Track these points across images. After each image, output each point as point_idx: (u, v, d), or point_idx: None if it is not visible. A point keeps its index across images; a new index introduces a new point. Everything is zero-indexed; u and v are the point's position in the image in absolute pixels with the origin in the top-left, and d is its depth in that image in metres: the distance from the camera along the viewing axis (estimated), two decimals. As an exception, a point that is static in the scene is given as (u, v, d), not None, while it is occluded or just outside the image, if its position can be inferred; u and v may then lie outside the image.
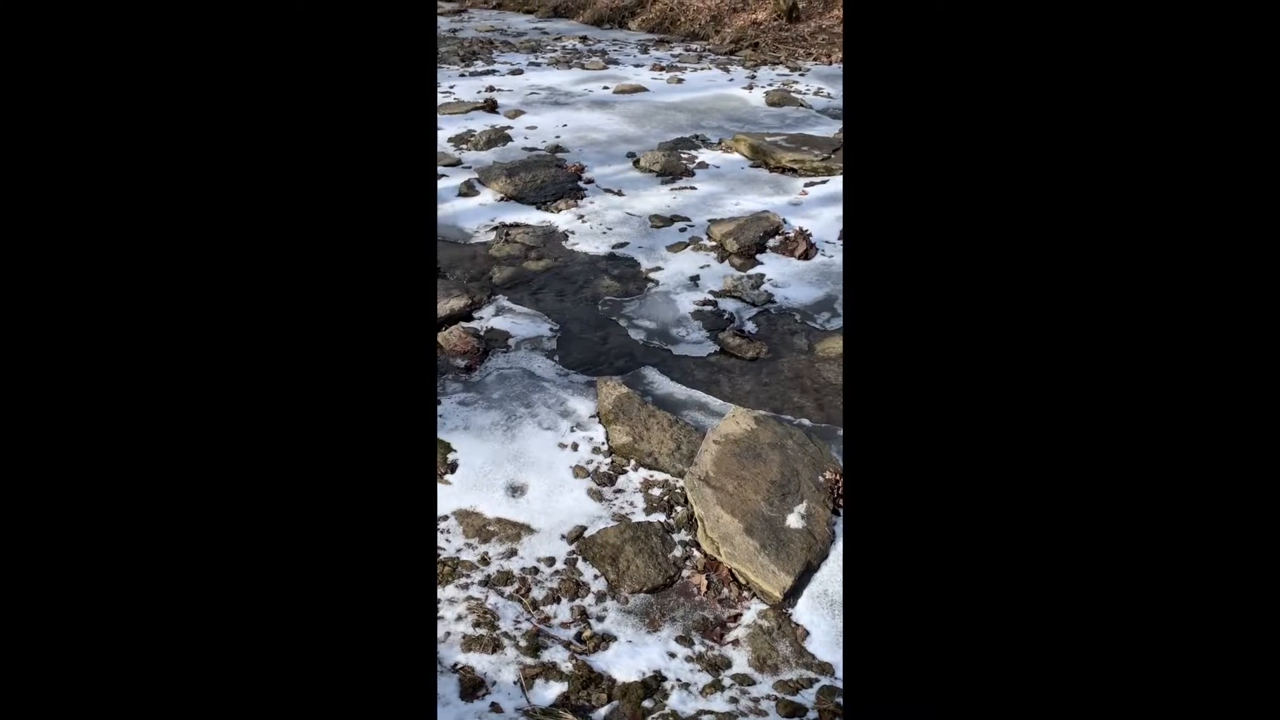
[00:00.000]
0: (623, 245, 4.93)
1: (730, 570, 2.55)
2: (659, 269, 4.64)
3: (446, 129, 6.99)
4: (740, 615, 2.42)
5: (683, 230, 5.13)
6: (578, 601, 2.44)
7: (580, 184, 5.89)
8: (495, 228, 5.16)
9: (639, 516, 2.79)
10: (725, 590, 2.50)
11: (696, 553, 2.64)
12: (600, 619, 2.40)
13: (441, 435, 3.21)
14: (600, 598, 2.46)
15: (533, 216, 5.33)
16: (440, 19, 12.54)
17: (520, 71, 9.14)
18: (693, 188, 5.79)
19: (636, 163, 6.28)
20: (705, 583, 2.52)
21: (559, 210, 5.44)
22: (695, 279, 4.53)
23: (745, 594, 2.49)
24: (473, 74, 9.01)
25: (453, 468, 3.02)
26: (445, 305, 4.13)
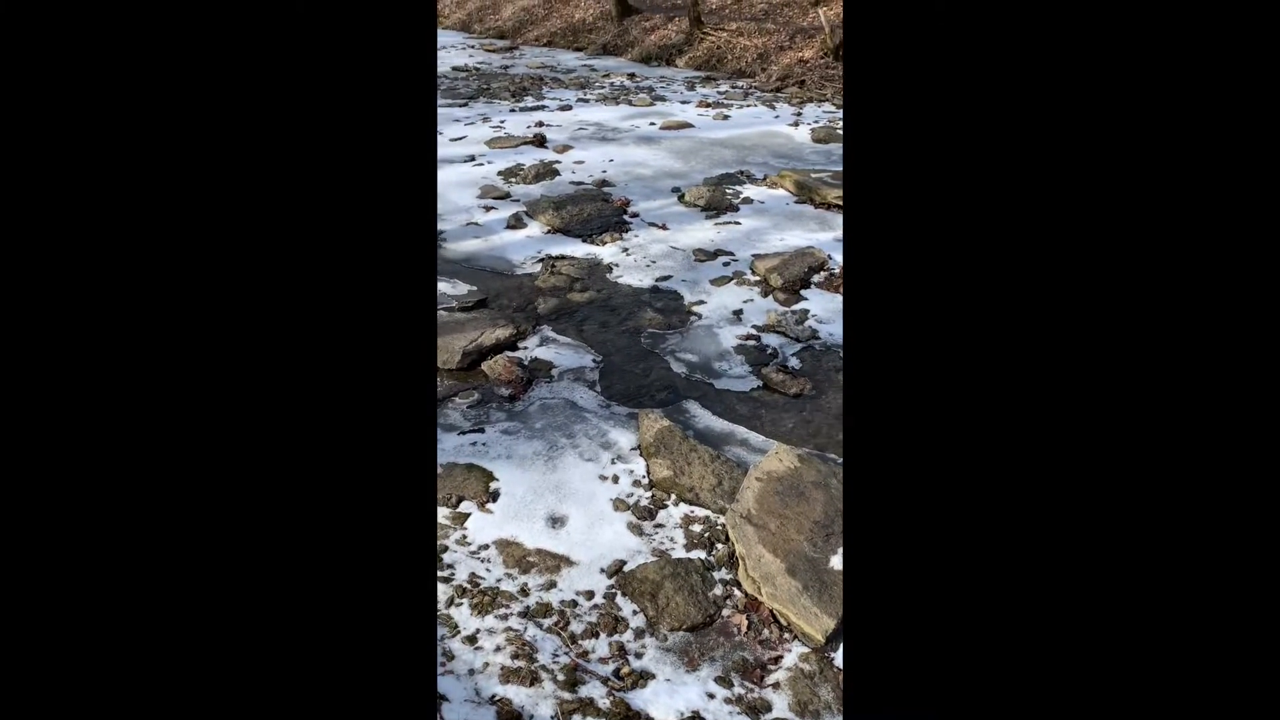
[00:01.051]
0: (666, 278, 4.97)
1: (771, 611, 2.50)
2: (702, 302, 4.65)
3: (496, 163, 7.16)
4: (781, 658, 2.37)
5: (726, 265, 5.14)
6: (616, 637, 2.42)
7: (625, 218, 5.97)
8: (541, 259, 5.24)
9: (679, 553, 2.76)
10: (766, 631, 2.46)
11: (737, 592, 2.60)
12: (639, 656, 2.37)
13: (484, 464, 3.24)
14: (639, 634, 2.44)
15: (578, 249, 5.41)
16: (492, 55, 12.91)
17: (569, 107, 9.34)
18: (737, 223, 5.81)
19: (681, 197, 6.34)
20: (746, 623, 2.48)
21: (604, 243, 5.51)
22: (738, 313, 4.53)
23: (786, 636, 2.44)
24: (523, 109, 9.24)
25: (494, 496, 3.04)
26: (491, 335, 4.20)
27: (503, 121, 8.63)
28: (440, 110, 9.22)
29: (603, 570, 2.67)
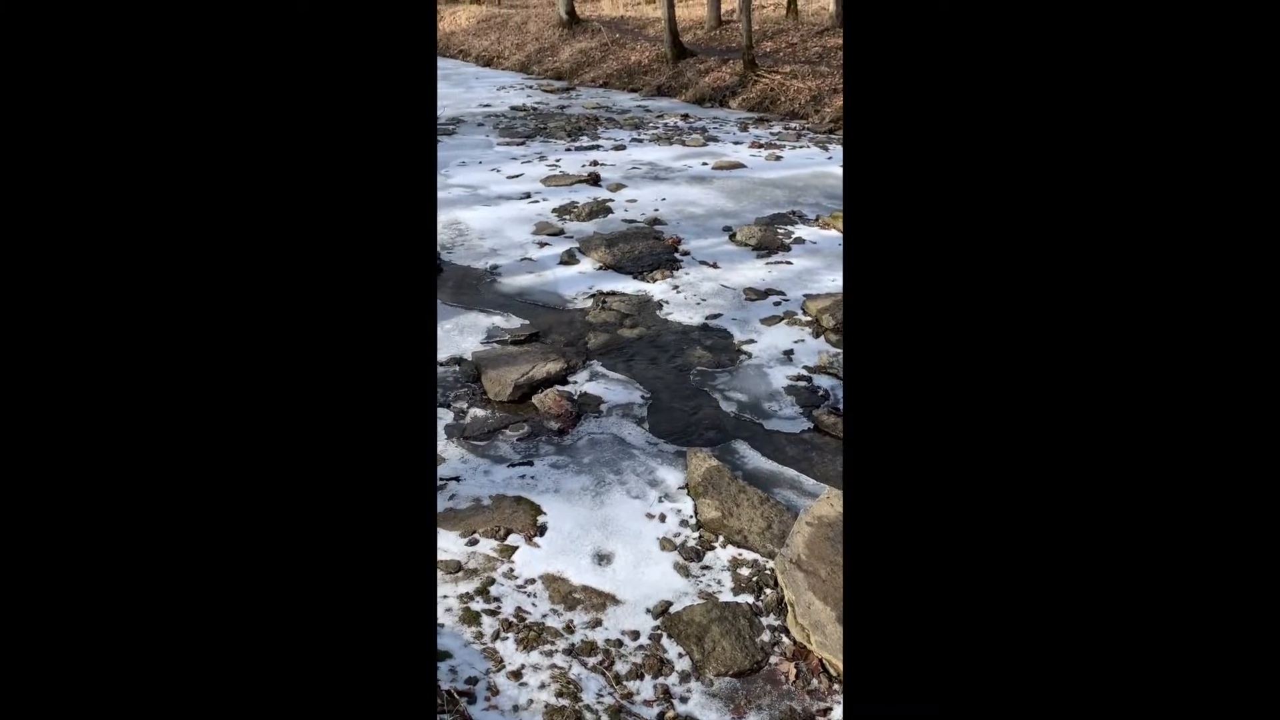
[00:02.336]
0: (716, 316, 4.97)
1: (821, 660, 2.44)
2: (752, 342, 4.64)
3: (551, 200, 7.31)
4: (830, 710, 2.30)
5: (777, 304, 5.13)
6: (661, 679, 2.39)
7: (677, 255, 6.02)
8: (593, 295, 5.31)
9: (726, 596, 2.72)
10: (815, 681, 2.39)
11: (785, 639, 2.54)
12: (684, 700, 2.33)
13: (532, 497, 3.26)
14: (684, 677, 2.40)
15: (629, 285, 5.46)
16: (550, 96, 13.27)
17: (623, 147, 9.52)
18: (788, 262, 5.81)
19: (733, 236, 6.37)
20: (794, 671, 2.42)
21: (655, 280, 5.55)
22: (789, 353, 4.50)
23: (836, 686, 2.37)
24: (578, 148, 9.45)
25: (542, 530, 3.05)
26: (543, 368, 4.25)
27: (558, 160, 8.83)
28: (498, 148, 9.48)
29: (648, 610, 2.64)
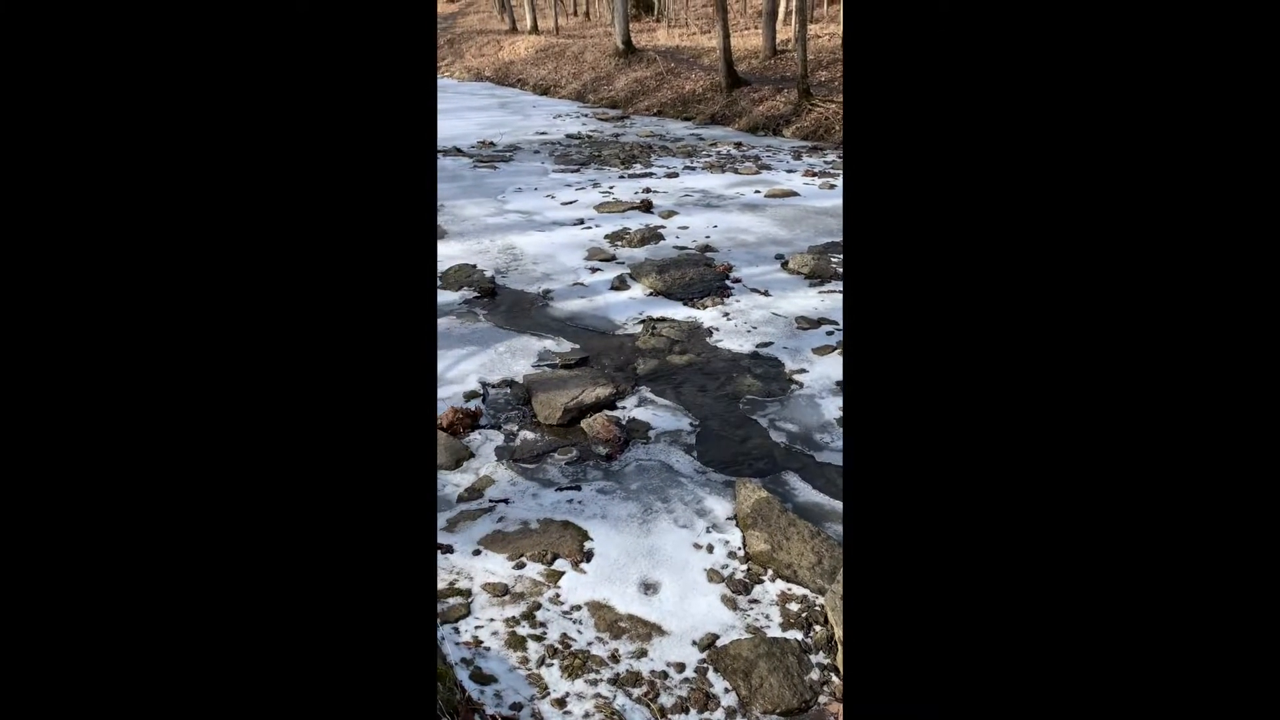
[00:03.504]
0: (767, 345, 4.93)
1: (872, 704, 2.36)
2: (803, 371, 4.58)
3: (604, 226, 7.39)
4: (882, 757, 2.22)
5: (830, 334, 5.07)
6: (707, 715, 2.34)
7: (728, 283, 6.01)
8: (643, 321, 5.33)
9: (774, 631, 2.66)
10: (866, 725, 2.31)
11: (835, 678, 2.47)
12: (729, 738, 2.27)
13: (579, 522, 3.25)
14: (730, 714, 2.35)
15: (679, 312, 5.46)
16: (604, 124, 13.48)
17: (676, 175, 9.59)
18: (841, 291, 5.74)
19: (785, 264, 6.33)
20: (843, 712, 2.35)
21: (705, 307, 5.55)
22: (841, 384, 4.43)
23: (888, 733, 2.29)
24: (631, 176, 9.56)
25: (588, 556, 3.04)
26: (592, 393, 4.26)
27: (612, 187, 8.94)
28: (553, 175, 9.65)
29: (694, 643, 2.60)
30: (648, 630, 2.66)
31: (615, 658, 2.54)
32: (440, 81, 19.89)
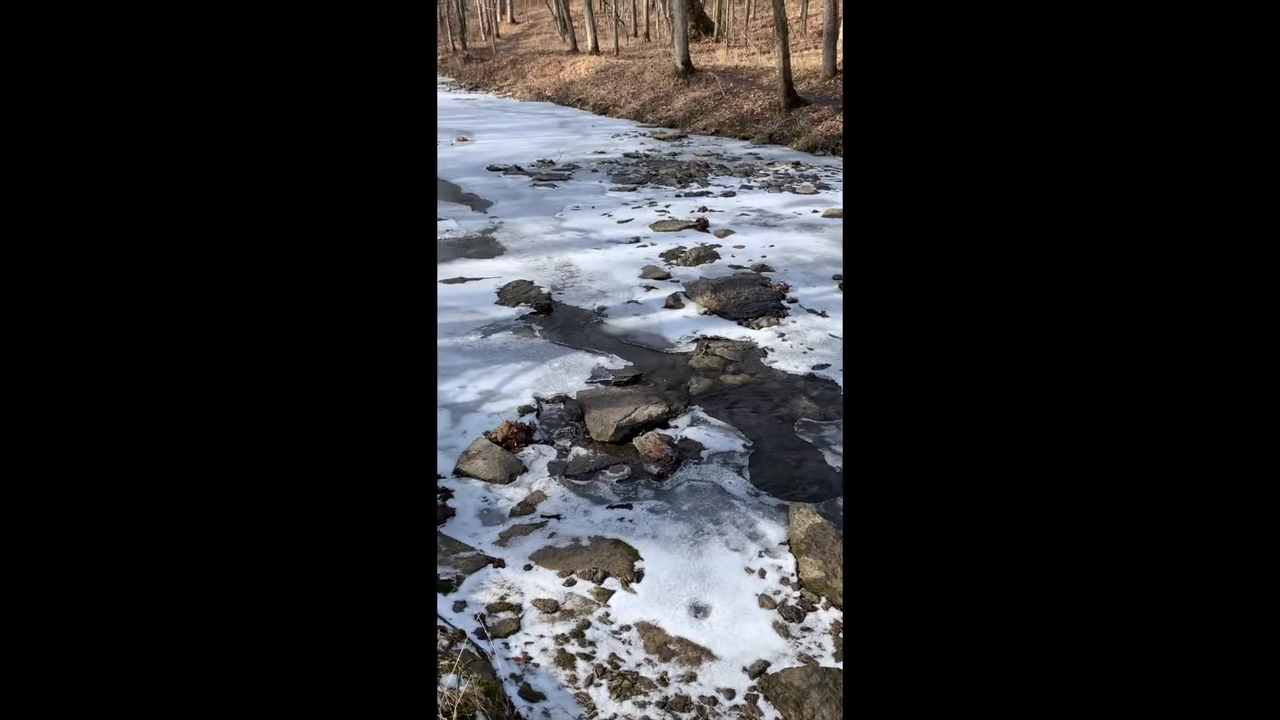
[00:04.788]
0: (823, 366, 4.86)
1: (929, 742, 2.28)
2: (860, 395, 4.50)
3: (660, 244, 7.43)
4: (939, 799, 2.13)
5: (888, 357, 4.97)
6: (756, 745, 2.29)
7: (783, 303, 5.96)
8: (696, 340, 5.31)
9: (828, 661, 2.60)
10: (922, 765, 2.23)
11: (890, 714, 2.39)
12: (779, 770, 2.22)
13: (630, 541, 3.24)
14: (780, 745, 2.29)
15: (734, 331, 5.44)
16: (662, 143, 13.58)
17: (732, 194, 9.59)
18: (900, 314, 5.63)
19: (843, 285, 6.25)
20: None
21: (760, 327, 5.51)
22: (899, 409, 4.33)
23: (946, 774, 2.20)
24: (688, 194, 9.59)
25: (638, 576, 3.02)
26: (644, 411, 4.26)
27: (668, 206, 8.98)
28: (610, 194, 9.75)
29: (745, 669, 2.56)
30: (697, 654, 2.62)
31: (664, 680, 2.51)
32: (501, 101, 20.36)
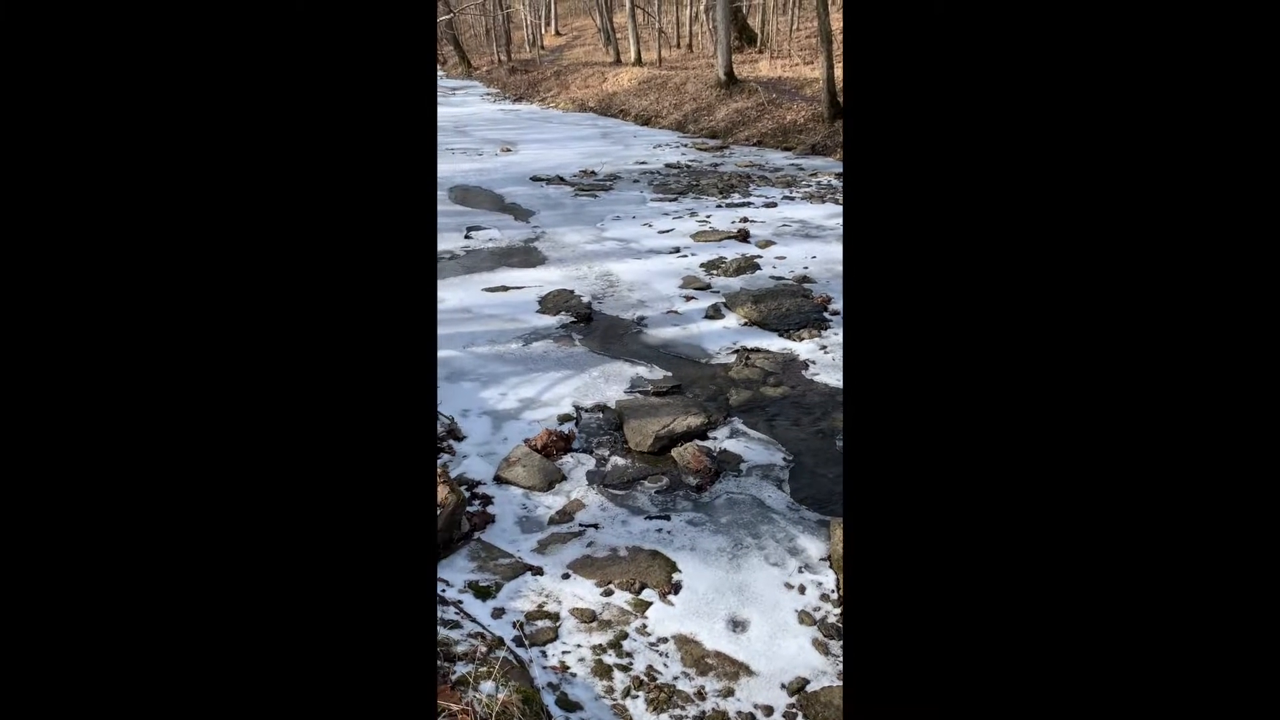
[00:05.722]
0: (866, 381, 4.80)
1: (974, 769, 2.22)
2: (904, 410, 4.43)
3: (700, 255, 7.42)
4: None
5: (932, 371, 4.88)
6: (794, 764, 2.26)
7: (825, 315, 5.89)
8: (736, 351, 5.29)
9: (868, 681, 2.55)
10: (966, 792, 2.17)
11: (933, 738, 2.34)
12: (817, 791, 2.18)
13: (668, 552, 3.23)
14: (819, 766, 2.26)
15: (774, 343, 5.40)
16: (704, 154, 13.59)
17: (774, 204, 9.54)
18: (945, 328, 5.53)
19: (885, 298, 6.17)
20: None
21: (801, 339, 5.46)
22: (944, 425, 4.25)
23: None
24: (729, 205, 9.57)
25: (676, 588, 3.01)
26: (683, 422, 4.25)
27: (709, 216, 8.97)
28: (651, 204, 9.78)
29: (783, 686, 2.53)
30: (735, 669, 2.60)
31: (701, 695, 2.49)
32: (545, 112, 20.60)
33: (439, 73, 28.52)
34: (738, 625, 2.81)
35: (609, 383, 4.85)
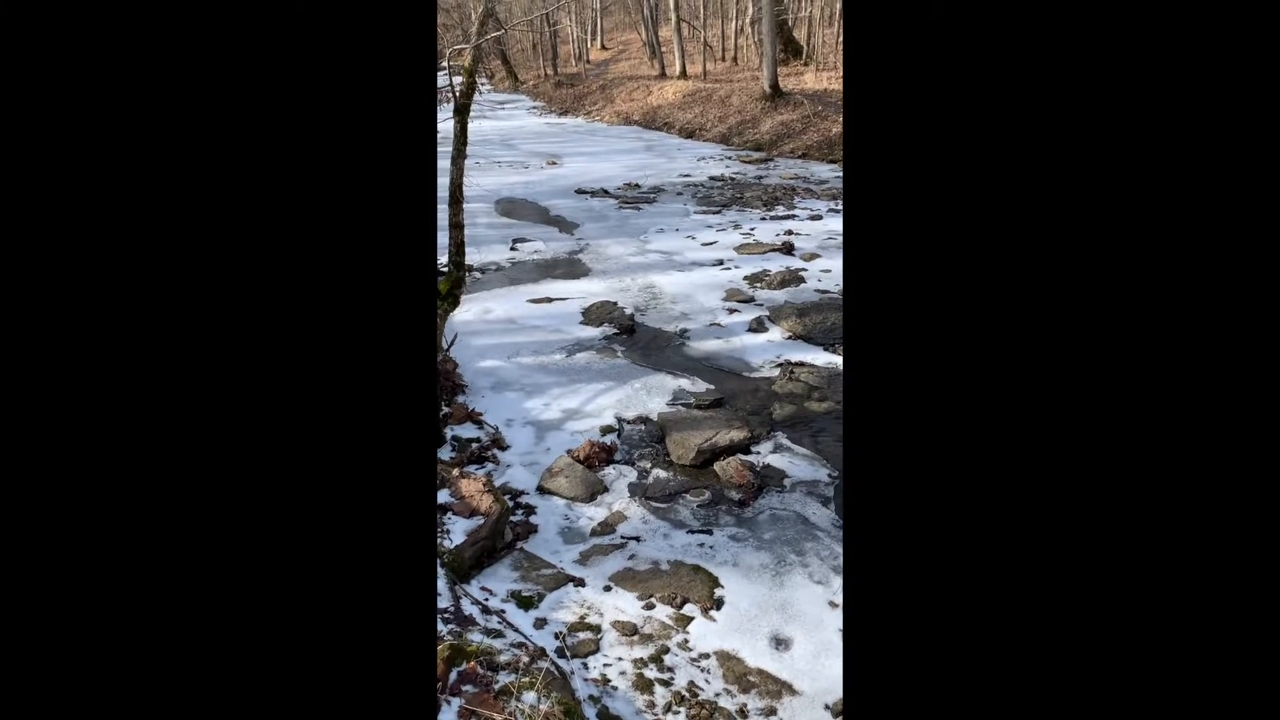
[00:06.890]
0: (913, 397, 4.72)
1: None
2: (952, 427, 4.34)
3: (744, 268, 7.39)
4: None
5: (982, 388, 4.77)
6: (838, 788, 2.21)
7: (871, 329, 5.82)
8: (780, 364, 5.24)
9: (915, 705, 2.49)
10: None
11: (983, 767, 2.27)
12: (862, 817, 2.14)
13: (710, 567, 3.21)
14: (864, 791, 2.21)
15: (819, 357, 5.34)
16: (748, 166, 13.57)
17: (819, 217, 9.46)
18: (996, 344, 5.41)
19: (933, 313, 6.06)
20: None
21: (847, 354, 5.39)
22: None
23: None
24: (773, 218, 9.53)
25: (719, 604, 2.98)
26: (726, 435, 4.23)
27: (753, 229, 8.94)
28: (694, 216, 9.79)
29: (827, 707, 2.48)
30: (778, 688, 2.56)
31: (743, 712, 2.46)
32: (590, 125, 20.81)
33: (486, 87, 28.99)
34: (781, 643, 2.78)
35: (651, 395, 4.85)
